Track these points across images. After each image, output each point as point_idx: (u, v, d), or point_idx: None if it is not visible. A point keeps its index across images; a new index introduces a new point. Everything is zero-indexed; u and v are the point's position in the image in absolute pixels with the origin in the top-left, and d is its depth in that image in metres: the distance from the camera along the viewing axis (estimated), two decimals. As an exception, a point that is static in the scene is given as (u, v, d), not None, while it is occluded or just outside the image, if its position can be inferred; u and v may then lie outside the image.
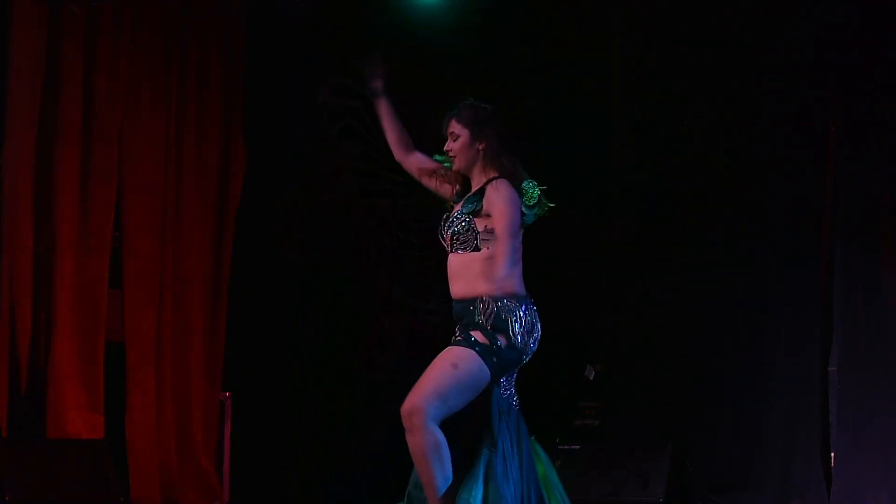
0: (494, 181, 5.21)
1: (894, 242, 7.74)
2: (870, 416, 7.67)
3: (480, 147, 5.25)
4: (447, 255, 5.28)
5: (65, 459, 7.65)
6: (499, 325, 5.09)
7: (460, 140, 5.26)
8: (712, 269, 8.34)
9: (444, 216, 5.34)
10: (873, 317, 7.74)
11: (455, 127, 5.28)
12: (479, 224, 5.17)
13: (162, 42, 8.26)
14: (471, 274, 5.15)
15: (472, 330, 5.09)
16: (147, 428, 8.01)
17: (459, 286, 5.19)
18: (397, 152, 5.53)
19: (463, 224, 5.18)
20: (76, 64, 7.91)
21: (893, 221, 7.77)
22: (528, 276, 5.41)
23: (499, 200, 5.15)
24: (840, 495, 7.68)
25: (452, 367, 5.01)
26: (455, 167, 5.31)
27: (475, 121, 5.26)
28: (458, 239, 5.18)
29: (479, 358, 5.04)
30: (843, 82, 7.92)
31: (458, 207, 5.28)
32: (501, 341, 5.09)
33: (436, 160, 5.41)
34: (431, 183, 5.46)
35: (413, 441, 4.99)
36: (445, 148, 5.31)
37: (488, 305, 5.09)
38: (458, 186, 5.38)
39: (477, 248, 5.16)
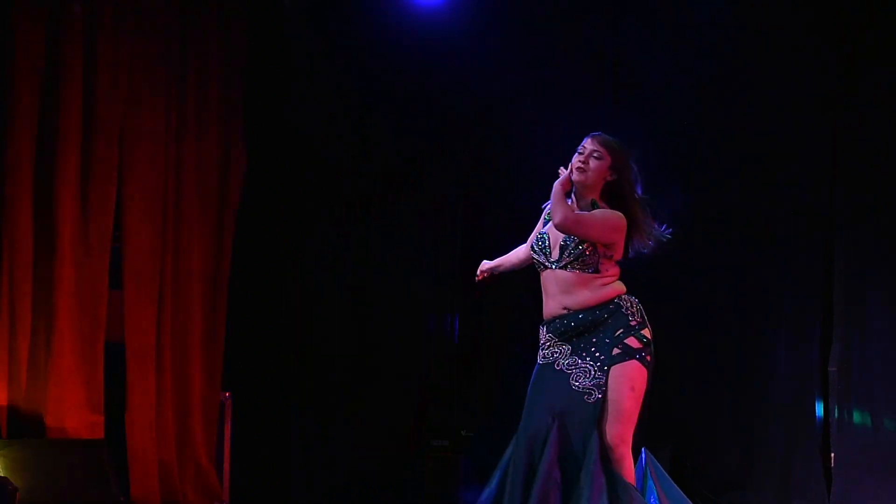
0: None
1: (894, 242, 7.75)
2: (870, 415, 7.68)
3: (610, 178, 5.50)
4: (542, 272, 5.51)
5: (65, 459, 7.64)
6: (643, 321, 5.47)
7: (601, 162, 5.48)
8: (712, 269, 8.34)
9: (541, 234, 5.57)
10: (873, 316, 7.75)
11: (599, 148, 5.50)
12: (599, 247, 5.42)
13: (162, 41, 8.24)
14: (591, 287, 5.43)
15: (626, 339, 5.39)
16: (147, 428, 7.98)
17: (577, 299, 5.43)
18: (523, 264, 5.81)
19: (585, 247, 5.41)
20: (76, 64, 7.90)
21: (893, 222, 7.77)
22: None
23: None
24: (840, 495, 7.68)
25: (631, 391, 5.41)
26: (579, 178, 5.49)
27: (618, 153, 5.51)
28: (578, 260, 5.40)
29: (643, 366, 5.44)
30: (845, 84, 7.92)
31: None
32: (648, 335, 5.46)
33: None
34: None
35: (621, 468, 5.38)
36: (580, 160, 5.48)
37: (631, 304, 5.48)
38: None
39: (597, 271, 5.45)
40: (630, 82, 8.68)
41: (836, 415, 7.81)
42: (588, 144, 5.51)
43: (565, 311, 5.43)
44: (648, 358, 5.44)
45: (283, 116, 8.88)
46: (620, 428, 5.38)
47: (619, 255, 5.51)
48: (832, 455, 7.81)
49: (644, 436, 8.34)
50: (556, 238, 5.47)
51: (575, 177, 5.48)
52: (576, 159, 5.50)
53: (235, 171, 8.52)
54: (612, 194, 5.51)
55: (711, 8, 8.35)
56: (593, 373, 5.39)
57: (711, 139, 8.40)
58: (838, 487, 7.70)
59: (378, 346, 8.93)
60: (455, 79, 8.93)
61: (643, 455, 5.59)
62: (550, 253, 5.47)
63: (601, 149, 5.47)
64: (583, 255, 5.38)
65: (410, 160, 9.07)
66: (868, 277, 7.80)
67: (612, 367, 5.37)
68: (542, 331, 5.55)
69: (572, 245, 5.40)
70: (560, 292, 5.42)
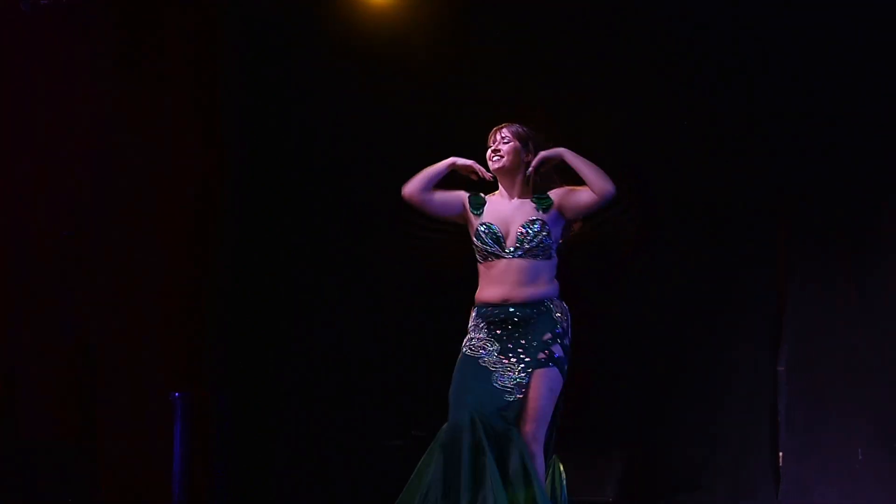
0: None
1: (844, 244, 7.79)
2: (818, 415, 7.68)
3: (527, 159, 5.69)
4: (490, 261, 5.63)
5: (34, 462, 7.69)
6: (568, 328, 5.61)
7: (510, 144, 5.72)
8: (666, 270, 8.33)
9: (486, 224, 5.66)
10: (822, 317, 7.76)
11: (506, 133, 5.77)
12: (554, 234, 5.63)
13: (137, 40, 8.25)
14: (541, 281, 5.60)
15: (552, 345, 5.54)
16: (115, 429, 8.05)
17: (527, 291, 5.58)
18: (418, 192, 5.81)
19: (544, 233, 5.60)
20: (45, 60, 7.93)
21: (844, 225, 7.81)
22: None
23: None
24: (788, 495, 7.70)
25: (550, 392, 5.53)
26: (499, 165, 5.72)
27: (523, 135, 5.75)
28: (537, 247, 5.58)
29: (561, 375, 5.58)
30: (794, 86, 7.98)
31: (518, 213, 5.65)
32: (568, 346, 5.63)
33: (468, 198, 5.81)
34: (438, 205, 5.83)
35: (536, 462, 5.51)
36: (493, 148, 5.74)
37: (561, 310, 5.62)
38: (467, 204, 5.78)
39: (550, 257, 5.63)
40: (584, 84, 8.68)
41: (784, 414, 7.85)
42: (495, 135, 5.76)
43: (503, 303, 5.58)
44: (566, 367, 5.60)
45: (260, 117, 8.90)
46: (534, 426, 5.50)
47: (562, 237, 5.74)
48: (780, 455, 7.85)
49: (597, 437, 8.46)
50: (511, 227, 5.64)
51: (493, 166, 5.73)
52: (488, 153, 5.74)
53: (205, 173, 8.50)
54: (540, 175, 5.72)
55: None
56: (516, 373, 5.52)
57: (662, 142, 8.42)
58: (787, 487, 7.72)
59: (332, 347, 8.93)
60: (431, 71, 8.95)
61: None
62: (505, 242, 5.62)
63: (508, 133, 5.72)
64: (543, 241, 5.59)
65: (388, 159, 9.06)
66: (817, 278, 7.82)
67: (535, 371, 5.51)
68: (473, 314, 5.69)
69: (532, 233, 5.59)
70: (511, 282, 5.58)
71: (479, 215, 5.72)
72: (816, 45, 7.92)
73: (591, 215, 5.76)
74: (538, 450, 5.53)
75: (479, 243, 5.68)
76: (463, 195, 5.80)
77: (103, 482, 8.01)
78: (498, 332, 5.58)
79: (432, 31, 8.82)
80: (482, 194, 5.82)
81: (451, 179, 5.90)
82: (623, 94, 8.38)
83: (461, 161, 5.80)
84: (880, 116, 7.80)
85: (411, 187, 5.78)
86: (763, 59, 8.07)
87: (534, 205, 5.66)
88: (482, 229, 5.67)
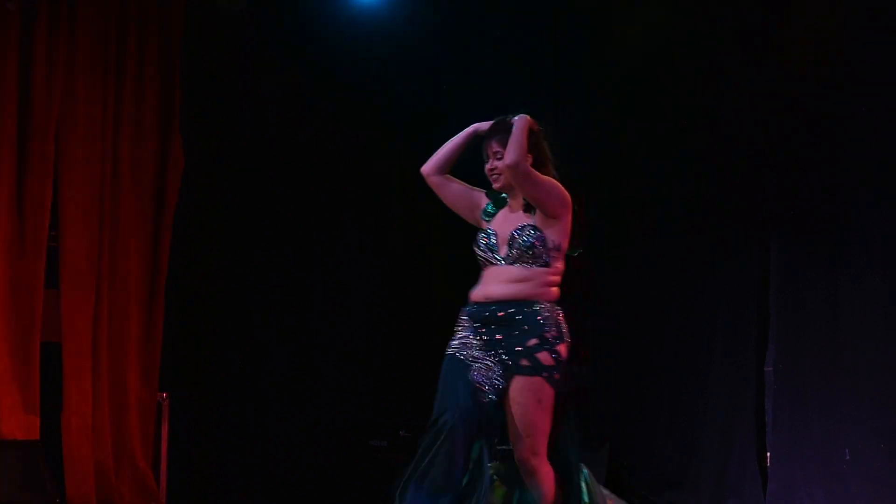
0: None
1: (829, 245, 7.81)
2: (805, 415, 7.70)
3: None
4: (487, 267, 5.40)
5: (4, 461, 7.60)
6: (560, 334, 5.29)
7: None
8: (649, 269, 8.36)
9: (486, 232, 5.44)
10: (808, 318, 7.78)
11: (497, 149, 5.40)
12: (549, 238, 5.31)
13: (99, 39, 8.19)
14: (531, 284, 5.30)
15: (538, 352, 5.22)
16: (83, 429, 7.94)
17: (510, 288, 5.29)
18: (436, 170, 5.57)
19: (535, 237, 5.31)
20: (11, 61, 7.84)
21: (828, 225, 7.83)
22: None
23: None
24: (775, 494, 7.73)
25: (538, 404, 5.21)
26: (500, 185, 5.43)
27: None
28: (528, 253, 5.30)
29: (549, 385, 5.22)
30: (779, 92, 7.99)
31: (513, 220, 5.38)
32: (561, 352, 5.28)
33: (486, 195, 5.54)
34: (451, 195, 5.58)
35: (536, 482, 5.26)
36: (489, 167, 5.43)
37: (550, 313, 5.29)
38: (483, 202, 5.53)
39: (546, 264, 5.32)
40: (568, 84, 8.69)
41: (771, 414, 7.86)
42: (488, 150, 5.45)
43: (486, 300, 5.33)
44: (556, 377, 5.26)
45: (220, 114, 8.85)
46: (530, 441, 5.24)
47: (565, 243, 5.38)
48: (767, 454, 7.85)
49: (582, 436, 8.46)
50: (505, 233, 5.36)
51: (495, 185, 5.46)
52: (487, 168, 5.45)
53: (173, 169, 8.47)
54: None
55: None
56: (494, 374, 5.26)
57: (647, 144, 8.43)
58: (774, 487, 7.75)
59: (318, 347, 8.92)
60: (394, 78, 8.94)
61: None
62: (498, 250, 5.37)
63: (500, 148, 5.39)
64: (532, 247, 5.29)
65: (350, 156, 9.07)
66: (804, 278, 7.85)
67: (516, 377, 5.24)
68: (461, 313, 5.46)
69: (522, 237, 5.31)
70: (497, 281, 5.32)
71: (488, 222, 5.50)
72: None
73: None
74: (539, 463, 5.24)
75: (476, 250, 5.47)
76: (480, 197, 5.55)
77: (69, 481, 7.85)
78: (482, 331, 5.31)
79: (403, 31, 8.85)
80: (495, 207, 5.51)
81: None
82: (615, 93, 8.38)
83: (485, 126, 5.48)
84: (860, 120, 7.82)
85: (429, 165, 5.54)
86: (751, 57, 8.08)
87: (525, 210, 5.39)
88: (481, 237, 5.46)
